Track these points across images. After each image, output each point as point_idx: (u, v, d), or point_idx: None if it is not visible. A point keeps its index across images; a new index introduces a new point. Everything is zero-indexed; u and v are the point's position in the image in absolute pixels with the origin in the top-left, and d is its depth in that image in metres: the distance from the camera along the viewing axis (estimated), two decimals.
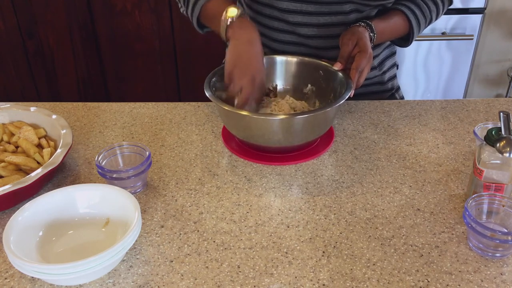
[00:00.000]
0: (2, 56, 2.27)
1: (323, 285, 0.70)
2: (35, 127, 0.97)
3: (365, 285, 0.70)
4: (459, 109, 1.14)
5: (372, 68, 1.18)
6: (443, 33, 2.11)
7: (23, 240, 0.71)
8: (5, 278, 0.72)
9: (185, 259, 0.74)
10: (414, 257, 0.74)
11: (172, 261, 0.74)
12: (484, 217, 0.79)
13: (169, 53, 2.27)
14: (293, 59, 1.08)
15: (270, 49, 1.14)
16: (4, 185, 0.79)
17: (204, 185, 0.90)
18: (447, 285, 0.70)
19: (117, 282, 0.71)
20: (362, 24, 1.03)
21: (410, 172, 0.93)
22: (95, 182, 0.91)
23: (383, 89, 1.23)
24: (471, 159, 0.96)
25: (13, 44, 2.24)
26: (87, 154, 0.99)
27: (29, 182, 0.80)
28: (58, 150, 0.87)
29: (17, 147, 0.93)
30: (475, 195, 0.77)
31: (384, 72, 1.22)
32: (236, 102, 0.94)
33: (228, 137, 1.02)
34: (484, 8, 2.09)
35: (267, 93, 1.07)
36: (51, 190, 0.79)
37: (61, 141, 0.90)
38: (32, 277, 0.71)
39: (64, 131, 0.93)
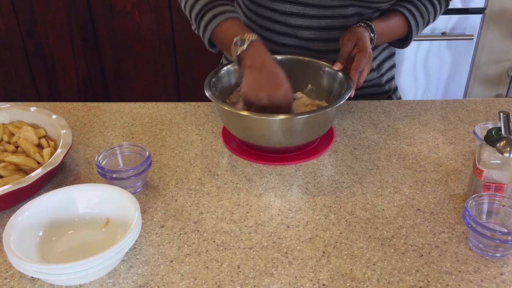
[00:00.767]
0: (2, 56, 2.27)
1: (323, 285, 0.70)
2: (35, 127, 0.97)
3: (365, 285, 0.70)
4: (459, 109, 1.14)
5: (371, 70, 1.18)
6: (443, 33, 2.11)
7: (23, 240, 0.71)
8: (5, 278, 0.72)
9: (185, 259, 0.74)
10: (414, 257, 0.74)
11: (172, 261, 0.74)
12: (484, 217, 0.79)
13: (169, 53, 2.27)
14: (293, 59, 1.08)
15: (271, 52, 1.14)
16: (4, 185, 0.79)
17: (204, 185, 0.90)
18: (447, 285, 0.70)
19: (117, 282, 0.71)
20: (362, 24, 1.04)
21: (410, 172, 0.93)
22: (95, 182, 0.91)
23: (380, 91, 1.23)
24: (471, 159, 0.96)
25: (13, 44, 2.24)
26: (87, 154, 0.99)
27: (29, 182, 0.80)
28: (58, 150, 0.87)
29: (17, 147, 0.93)
30: (475, 195, 0.77)
31: (382, 75, 1.22)
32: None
33: (228, 137, 1.02)
34: (484, 8, 2.09)
35: None
36: (51, 190, 0.79)
37: (61, 141, 0.90)
38: (32, 277, 0.71)
39: (64, 131, 0.93)
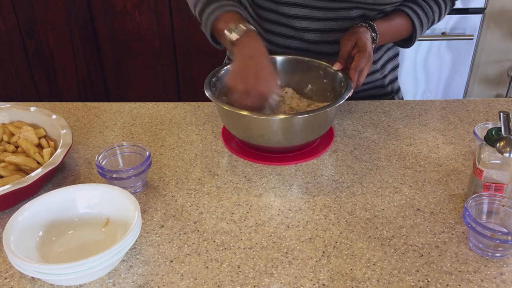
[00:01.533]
0: (2, 56, 2.27)
1: (323, 285, 0.70)
2: (35, 127, 0.97)
3: (365, 285, 0.70)
4: (459, 109, 1.14)
5: (375, 72, 1.18)
6: (443, 33, 2.11)
7: (23, 240, 0.71)
8: (5, 278, 0.72)
9: (185, 259, 0.74)
10: (414, 257, 0.74)
11: (172, 261, 0.74)
12: (484, 217, 0.79)
13: (169, 53, 2.28)
14: (293, 59, 1.08)
15: (269, 52, 1.14)
16: (4, 185, 0.79)
17: (204, 185, 0.90)
18: (447, 285, 0.70)
19: (117, 282, 0.71)
20: (364, 24, 1.03)
21: (410, 172, 0.93)
22: (95, 182, 0.91)
23: (383, 92, 1.23)
24: (471, 159, 0.96)
25: (13, 44, 2.24)
26: (87, 154, 0.99)
27: (29, 182, 0.80)
28: (58, 150, 0.87)
29: (17, 147, 0.93)
30: (475, 195, 0.77)
31: (385, 76, 1.22)
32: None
33: (228, 137, 1.02)
34: (484, 8, 2.09)
35: None
36: (51, 190, 0.79)
37: (61, 141, 0.90)
38: (32, 277, 0.71)
39: (64, 131, 0.93)
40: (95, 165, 0.87)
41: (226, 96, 0.98)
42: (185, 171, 0.94)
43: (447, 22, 2.09)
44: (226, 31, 0.93)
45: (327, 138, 1.02)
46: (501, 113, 0.78)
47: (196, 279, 0.71)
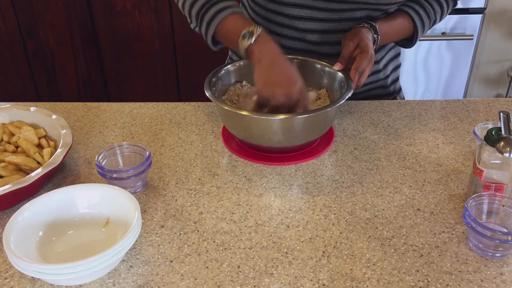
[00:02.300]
0: (2, 56, 2.27)
1: (323, 285, 0.70)
2: (35, 127, 0.97)
3: (365, 285, 0.70)
4: (459, 109, 1.14)
5: (377, 72, 1.18)
6: (443, 33, 2.11)
7: (23, 240, 0.71)
8: (5, 278, 0.72)
9: (185, 259, 0.74)
10: (414, 257, 0.74)
11: (172, 261, 0.74)
12: (484, 217, 0.79)
13: (169, 53, 2.28)
14: (294, 59, 1.08)
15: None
16: (4, 185, 0.79)
17: (204, 185, 0.90)
18: (447, 285, 0.70)
19: (117, 282, 0.71)
20: (366, 25, 1.03)
21: (410, 172, 0.93)
22: (95, 182, 0.91)
23: (385, 93, 1.23)
24: (471, 159, 0.96)
25: (13, 44, 2.24)
26: (87, 154, 0.99)
27: (29, 182, 0.80)
28: (58, 150, 0.87)
29: (17, 147, 0.93)
30: (475, 195, 0.77)
31: (388, 76, 1.21)
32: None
33: (228, 137, 1.02)
34: (484, 8, 2.09)
35: None
36: (51, 190, 0.79)
37: (61, 141, 0.90)
38: (32, 277, 0.71)
39: (64, 131, 0.93)
40: (95, 165, 0.87)
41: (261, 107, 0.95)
42: (185, 171, 0.94)
43: (447, 22, 2.09)
44: (240, 41, 0.92)
45: (327, 138, 1.02)
46: (501, 113, 0.78)
47: (196, 279, 0.71)
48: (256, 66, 0.92)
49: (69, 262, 0.65)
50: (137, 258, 0.75)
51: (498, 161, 0.78)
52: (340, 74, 1.00)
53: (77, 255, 0.71)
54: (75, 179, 0.92)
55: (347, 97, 0.92)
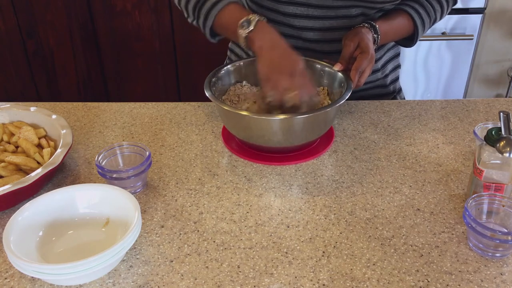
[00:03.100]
0: (2, 56, 2.27)
1: (323, 285, 0.70)
2: (35, 127, 0.97)
3: (365, 285, 0.70)
4: (459, 109, 1.14)
5: (376, 71, 1.18)
6: (443, 33, 2.11)
7: (23, 240, 0.71)
8: (5, 278, 0.72)
9: (185, 259, 0.74)
10: (414, 257, 0.74)
11: (172, 261, 0.74)
12: (484, 217, 0.79)
13: (169, 53, 2.28)
14: None
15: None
16: (4, 185, 0.79)
17: (204, 185, 0.90)
18: (447, 285, 0.70)
19: (117, 282, 0.71)
20: (366, 25, 1.03)
21: (410, 172, 0.93)
22: (95, 182, 0.91)
23: (385, 92, 1.23)
24: (471, 159, 0.96)
25: (13, 44, 2.24)
26: (87, 154, 0.99)
27: (29, 182, 0.80)
28: (58, 150, 0.87)
29: (17, 147, 0.93)
30: (475, 195, 0.77)
31: (387, 75, 1.21)
32: (288, 105, 0.90)
33: (228, 137, 1.02)
34: (484, 8, 2.09)
35: None
36: (51, 190, 0.79)
37: (61, 141, 0.90)
38: (32, 277, 0.71)
39: (64, 131, 0.93)
40: (95, 165, 0.87)
41: (261, 99, 0.94)
42: (185, 171, 0.94)
43: (447, 22, 2.09)
44: (239, 30, 0.92)
45: (327, 138, 1.02)
46: (501, 113, 0.78)
47: (196, 279, 0.71)
48: (258, 53, 0.92)
49: (69, 262, 0.65)
50: (137, 258, 0.75)
51: (498, 161, 0.78)
52: (340, 74, 1.00)
53: (77, 255, 0.71)
54: (75, 179, 0.92)
55: (347, 97, 0.92)
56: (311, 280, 0.71)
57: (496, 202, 0.77)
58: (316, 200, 0.86)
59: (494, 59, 2.32)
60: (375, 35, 1.02)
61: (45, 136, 0.96)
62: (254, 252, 0.75)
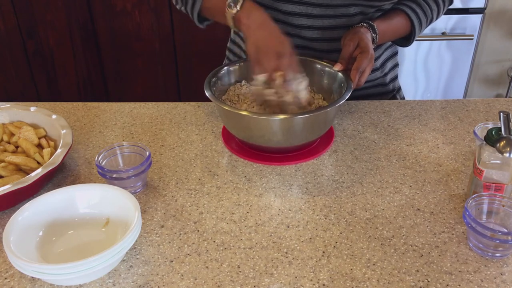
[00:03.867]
0: (2, 56, 2.27)
1: (323, 285, 0.70)
2: (35, 127, 0.97)
3: (365, 285, 0.70)
4: (459, 109, 1.14)
5: (375, 70, 1.18)
6: (443, 33, 2.11)
7: (23, 240, 0.71)
8: (5, 278, 0.72)
9: (185, 259, 0.74)
10: (414, 257, 0.74)
11: (172, 261, 0.74)
12: (484, 217, 0.79)
13: (169, 53, 2.28)
14: None
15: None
16: (4, 185, 0.79)
17: (204, 185, 0.90)
18: (447, 285, 0.70)
19: (117, 282, 0.71)
20: (364, 24, 1.03)
21: (410, 172, 0.93)
22: (95, 182, 0.91)
23: (384, 91, 1.23)
24: (471, 159, 0.96)
25: (13, 44, 2.24)
26: (87, 154, 0.99)
27: (29, 182, 0.80)
28: (58, 150, 0.87)
29: (17, 147, 0.93)
30: (475, 195, 0.77)
31: (386, 74, 1.22)
32: (277, 83, 0.91)
33: (228, 137, 1.02)
34: (484, 8, 2.09)
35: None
36: (51, 190, 0.79)
37: (61, 141, 0.90)
38: (32, 277, 0.71)
39: (64, 131, 0.93)
40: (95, 165, 0.87)
41: (249, 80, 0.95)
42: (185, 171, 0.94)
43: (447, 22, 2.09)
44: (227, 9, 0.92)
45: (327, 138, 1.02)
46: (501, 113, 0.78)
47: (196, 279, 0.71)
48: (246, 33, 0.93)
49: (69, 262, 0.65)
50: (137, 258, 0.75)
51: (498, 161, 0.78)
52: (340, 74, 1.00)
53: (77, 255, 0.71)
54: (75, 179, 0.92)
55: (347, 97, 0.92)
56: (311, 280, 0.71)
57: (496, 202, 0.77)
58: (316, 200, 0.86)
59: (494, 59, 2.32)
60: (373, 35, 1.03)
61: (45, 136, 0.96)
62: (254, 252, 0.75)
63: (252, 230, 0.80)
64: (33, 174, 0.81)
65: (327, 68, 1.04)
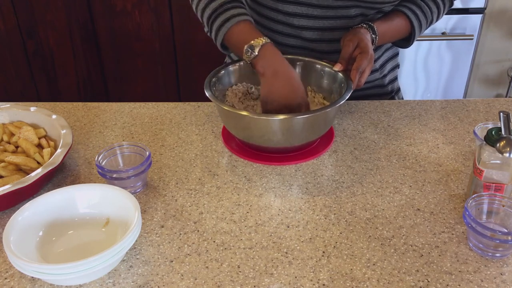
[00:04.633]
0: (2, 56, 2.27)
1: (323, 285, 0.70)
2: (35, 127, 0.97)
3: (365, 285, 0.70)
4: (459, 109, 1.14)
5: (374, 71, 1.18)
6: (443, 33, 2.11)
7: (23, 240, 0.71)
8: (5, 278, 0.72)
9: (185, 259, 0.74)
10: (414, 257, 0.74)
11: (172, 261, 0.74)
12: (484, 217, 0.79)
13: (169, 53, 2.28)
14: (293, 60, 1.08)
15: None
16: (4, 185, 0.79)
17: (204, 185, 0.90)
18: (447, 285, 0.70)
19: (117, 282, 0.71)
20: (364, 25, 1.03)
21: (410, 172, 0.93)
22: (95, 182, 0.91)
23: (383, 92, 1.23)
24: (471, 159, 0.96)
25: (13, 44, 2.24)
26: (87, 154, 0.99)
27: (29, 182, 0.80)
28: (58, 150, 0.87)
29: (17, 147, 0.93)
30: (475, 195, 0.77)
31: (385, 75, 1.22)
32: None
33: (228, 137, 1.02)
34: (484, 8, 2.09)
35: None
36: (51, 190, 0.79)
37: (61, 141, 0.90)
38: (32, 277, 0.71)
39: (64, 131, 0.93)
40: (95, 165, 0.87)
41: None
42: (185, 171, 0.94)
43: (447, 22, 2.09)
44: (244, 55, 0.94)
45: (327, 138, 1.02)
46: (501, 113, 0.78)
47: (196, 279, 0.71)
48: (261, 79, 0.94)
49: (69, 262, 0.65)
50: (137, 258, 0.75)
51: (498, 161, 0.78)
52: (340, 74, 1.00)
53: (77, 255, 0.71)
54: (75, 179, 0.92)
55: (347, 97, 0.92)
56: (311, 280, 0.71)
57: (496, 202, 0.77)
58: (316, 200, 0.86)
59: (494, 59, 2.32)
60: (373, 36, 1.03)
61: (45, 136, 0.96)
62: (254, 252, 0.75)
63: (252, 230, 0.80)
64: (33, 174, 0.81)
65: (327, 68, 1.04)
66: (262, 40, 0.93)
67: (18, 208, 0.75)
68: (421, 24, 1.09)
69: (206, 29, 1.04)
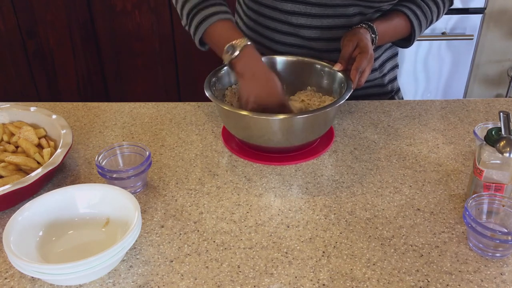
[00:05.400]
0: (2, 56, 2.27)
1: (323, 285, 0.70)
2: (35, 127, 0.97)
3: (365, 285, 0.70)
4: (459, 109, 1.14)
5: (373, 70, 1.18)
6: (443, 33, 2.11)
7: (23, 240, 0.71)
8: (5, 278, 0.72)
9: (185, 259, 0.74)
10: (414, 257, 0.74)
11: (172, 261, 0.74)
12: (484, 217, 0.79)
13: (169, 53, 2.27)
14: (293, 60, 1.08)
15: (272, 51, 1.14)
16: (4, 185, 0.79)
17: (204, 185, 0.90)
18: (447, 285, 0.70)
19: (117, 282, 0.71)
20: (364, 25, 1.03)
21: (410, 172, 0.93)
22: (95, 182, 0.91)
23: (382, 92, 1.23)
24: (471, 159, 0.96)
25: (13, 44, 2.24)
26: (87, 154, 0.99)
27: (29, 182, 0.80)
28: (58, 150, 0.87)
29: (17, 147, 0.93)
30: (475, 195, 0.77)
31: (385, 75, 1.22)
32: None
33: (228, 137, 1.02)
34: (484, 8, 2.09)
35: None
36: (51, 190, 0.79)
37: (61, 141, 0.90)
38: (32, 277, 0.71)
39: (64, 131, 0.93)
40: (95, 165, 0.87)
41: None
42: (185, 171, 0.94)
43: (447, 22, 2.09)
44: (224, 54, 0.94)
45: (327, 138, 1.02)
46: (501, 113, 0.78)
47: (196, 279, 0.71)
48: (239, 80, 0.95)
49: (69, 262, 0.65)
50: (137, 258, 0.75)
51: (498, 161, 0.78)
52: (339, 74, 1.00)
53: (77, 255, 0.71)
54: (75, 179, 0.92)
55: (347, 97, 0.92)
56: (311, 280, 0.71)
57: (496, 202, 0.77)
58: (316, 200, 0.86)
59: (494, 59, 2.32)
60: (372, 35, 1.03)
61: (45, 136, 0.96)
62: (254, 252, 0.75)
63: (252, 230, 0.80)
64: (33, 174, 0.81)
65: (327, 68, 1.04)
66: (242, 41, 0.94)
67: (18, 208, 0.75)
68: (421, 24, 1.09)
69: (184, 23, 1.04)
